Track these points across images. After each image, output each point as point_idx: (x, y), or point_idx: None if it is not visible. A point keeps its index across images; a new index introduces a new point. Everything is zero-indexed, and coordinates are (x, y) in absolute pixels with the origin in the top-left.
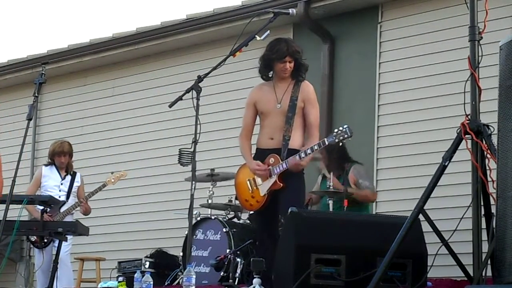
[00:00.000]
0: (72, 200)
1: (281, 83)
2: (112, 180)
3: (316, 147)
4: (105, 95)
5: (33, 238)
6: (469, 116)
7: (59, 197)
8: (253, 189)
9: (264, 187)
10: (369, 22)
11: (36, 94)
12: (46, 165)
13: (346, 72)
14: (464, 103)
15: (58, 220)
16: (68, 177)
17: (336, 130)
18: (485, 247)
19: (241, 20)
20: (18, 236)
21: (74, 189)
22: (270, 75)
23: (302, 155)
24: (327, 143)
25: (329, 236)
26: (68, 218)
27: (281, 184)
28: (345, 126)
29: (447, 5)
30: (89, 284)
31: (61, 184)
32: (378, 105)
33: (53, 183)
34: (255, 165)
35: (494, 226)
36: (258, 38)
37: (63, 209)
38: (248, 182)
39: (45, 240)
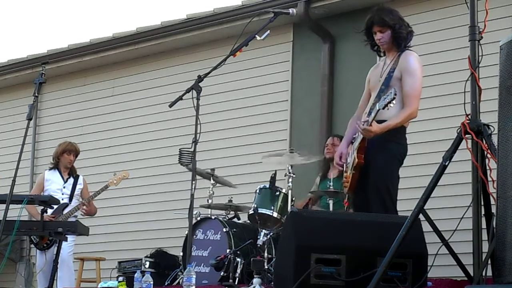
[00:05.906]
0: (75, 202)
1: (388, 57)
2: (115, 182)
3: (373, 114)
4: (105, 95)
5: (36, 240)
6: (469, 116)
7: (62, 199)
8: (346, 169)
9: (350, 165)
10: None
11: (36, 94)
12: (49, 169)
13: (346, 72)
14: (464, 103)
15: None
16: (71, 180)
17: (384, 97)
18: (485, 247)
19: (241, 20)
20: (18, 236)
21: (77, 191)
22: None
23: (363, 120)
24: (378, 108)
25: (329, 236)
26: (70, 220)
27: (360, 160)
28: (391, 91)
29: (447, 5)
30: (89, 284)
31: (64, 187)
32: None
33: (55, 187)
34: (338, 154)
35: (494, 226)
36: (258, 38)
37: (66, 211)
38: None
39: (48, 241)
